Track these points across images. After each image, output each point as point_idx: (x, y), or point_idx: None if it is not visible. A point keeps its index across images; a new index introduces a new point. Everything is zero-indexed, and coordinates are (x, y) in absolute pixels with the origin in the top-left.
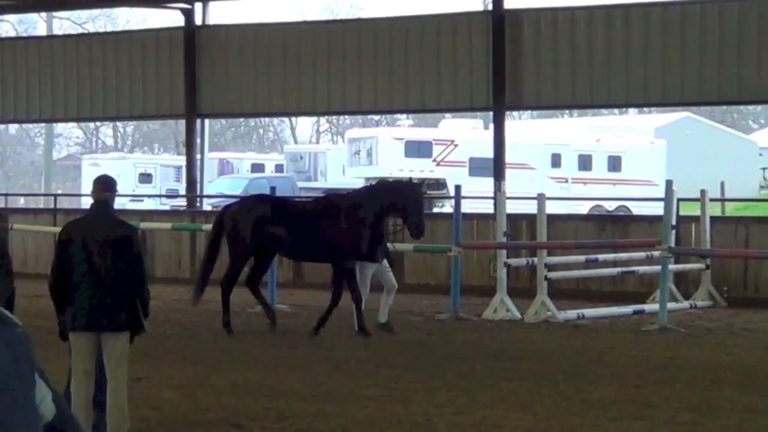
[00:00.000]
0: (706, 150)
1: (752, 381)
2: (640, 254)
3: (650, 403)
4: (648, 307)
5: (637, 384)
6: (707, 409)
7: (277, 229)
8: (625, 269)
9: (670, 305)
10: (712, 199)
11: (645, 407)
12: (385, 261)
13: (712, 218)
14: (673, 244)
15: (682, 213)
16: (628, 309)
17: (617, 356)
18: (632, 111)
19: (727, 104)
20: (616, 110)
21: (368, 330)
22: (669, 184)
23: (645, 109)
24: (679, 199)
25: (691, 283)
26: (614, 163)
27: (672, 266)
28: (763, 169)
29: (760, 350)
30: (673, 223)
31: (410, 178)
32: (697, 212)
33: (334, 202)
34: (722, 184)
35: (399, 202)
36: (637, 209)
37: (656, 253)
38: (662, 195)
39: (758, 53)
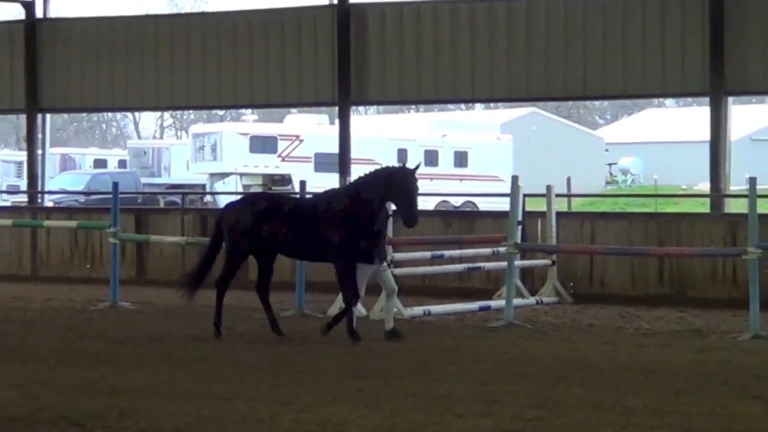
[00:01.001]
0: (553, 145)
1: (598, 377)
2: (486, 250)
3: (496, 400)
4: (494, 303)
5: (483, 380)
6: (553, 405)
7: (275, 228)
8: (471, 265)
9: (517, 301)
10: (558, 195)
11: (491, 404)
12: (383, 264)
13: (559, 214)
14: (519, 240)
15: (528, 209)
16: (474, 305)
17: (463, 353)
18: (479, 106)
19: (573, 99)
20: (462, 105)
21: (357, 334)
22: (515, 179)
23: (491, 104)
24: (525, 195)
25: (537, 279)
26: (460, 159)
27: (518, 262)
28: (609, 164)
29: (605, 346)
30: (519, 218)
31: (403, 164)
32: (544, 208)
33: (332, 198)
34: (568, 180)
35: (395, 192)
36: (484, 205)
37: (502, 249)
38: (508, 191)
39: (603, 49)
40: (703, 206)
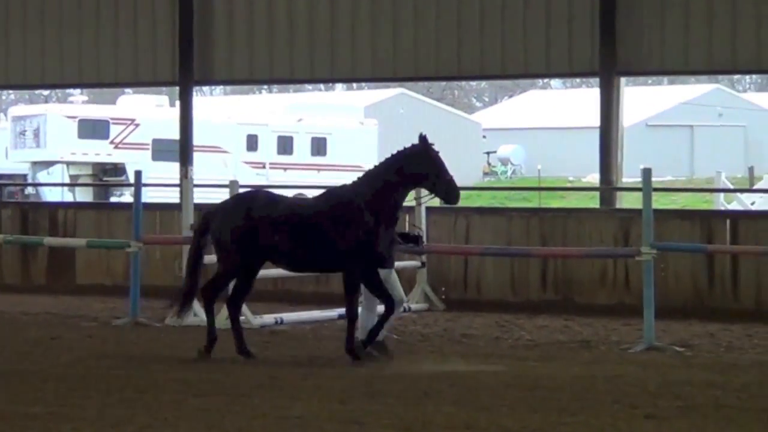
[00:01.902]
0: (423, 131)
1: (471, 395)
2: None
3: (356, 420)
4: None
5: (342, 398)
6: (420, 426)
7: (277, 236)
8: None
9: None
10: None
11: (350, 425)
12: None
13: (429, 209)
14: None
15: None
16: (333, 313)
17: (320, 367)
18: (339, 87)
19: (446, 80)
20: (321, 86)
21: (359, 352)
22: None
23: (354, 85)
24: None
25: (405, 283)
26: (318, 146)
27: None
28: (487, 153)
29: (480, 359)
30: None
31: (422, 134)
32: (412, 202)
33: (344, 196)
34: None
35: (423, 171)
36: None
37: None
38: None
39: (480, 23)
40: (593, 200)
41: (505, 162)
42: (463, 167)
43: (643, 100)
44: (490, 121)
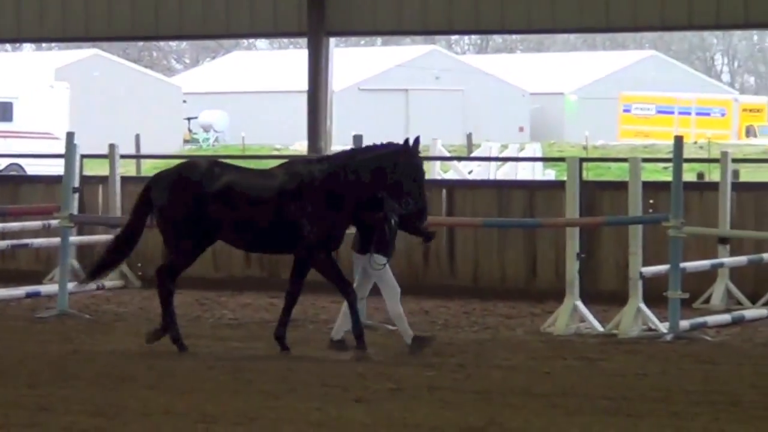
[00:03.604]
0: (119, 96)
1: (170, 379)
2: (36, 223)
3: (45, 407)
4: (45, 288)
5: (30, 383)
6: (115, 412)
7: (228, 209)
8: (16, 242)
9: (72, 286)
10: (123, 156)
11: (39, 411)
12: (377, 256)
13: (124, 179)
14: (75, 211)
15: (87, 173)
16: (21, 291)
17: (4, 349)
18: (27, 47)
19: (142, 40)
20: (7, 46)
21: (364, 343)
22: (70, 137)
23: (43, 45)
24: (83, 156)
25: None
26: (3, 111)
27: (74, 238)
28: (188, 119)
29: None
30: (76, 185)
31: (406, 140)
32: (106, 172)
33: (303, 170)
34: (137, 137)
35: (388, 174)
36: (32, 168)
37: (54, 222)
38: (62, 151)
39: None
40: None
41: (207, 128)
42: (161, 134)
43: (356, 62)
44: (192, 85)
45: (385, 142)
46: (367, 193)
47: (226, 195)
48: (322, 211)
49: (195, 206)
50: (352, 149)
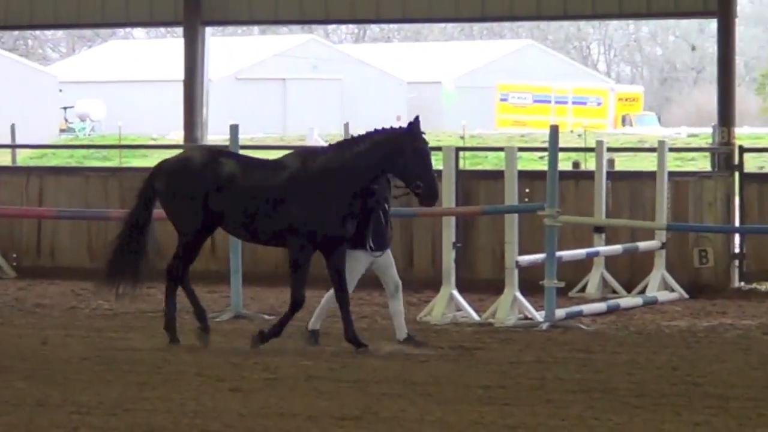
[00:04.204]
0: None
1: (45, 370)
2: None
3: None
4: None
5: None
6: None
7: (225, 198)
8: None
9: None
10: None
11: None
12: (375, 251)
13: (1, 168)
14: None
15: None
16: None
17: None
18: None
19: (15, 29)
20: None
21: (361, 341)
22: None
23: None
24: None
25: None
26: None
27: None
28: (65, 108)
29: (55, 331)
30: None
31: (410, 122)
32: None
33: (307, 158)
34: (12, 127)
35: (397, 159)
36: None
37: None
38: None
39: None
40: None
41: (83, 118)
42: (37, 123)
43: (233, 51)
44: (68, 74)
45: (379, 127)
46: (375, 180)
47: (230, 185)
48: (328, 200)
49: (198, 196)
50: (354, 137)
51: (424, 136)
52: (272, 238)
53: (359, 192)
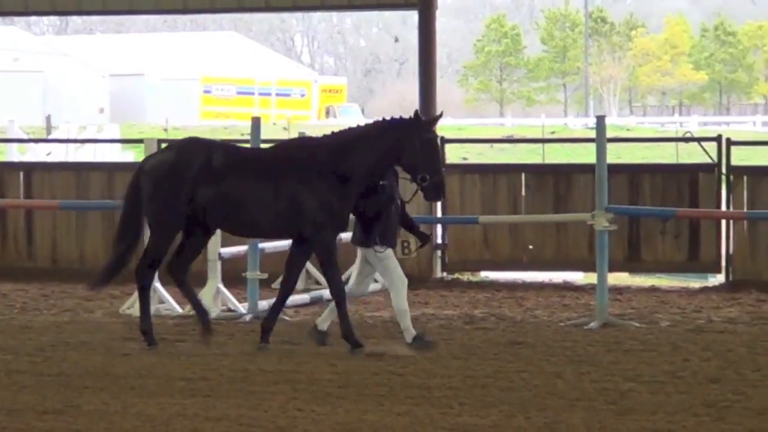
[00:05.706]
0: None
1: None
2: None
3: None
4: None
5: None
6: None
7: (219, 190)
8: None
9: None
10: None
11: None
12: (379, 246)
13: None
14: None
15: None
16: None
17: None
18: None
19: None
20: None
21: (358, 339)
22: None
23: None
24: None
25: None
26: None
27: None
28: None
29: None
30: None
31: (416, 112)
32: None
33: (305, 148)
34: None
35: (402, 151)
36: None
37: None
38: None
39: None
40: None
41: None
42: None
43: None
44: None
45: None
46: (381, 170)
47: (223, 177)
48: (329, 191)
49: (190, 189)
50: (359, 126)
51: (431, 128)
52: (268, 231)
53: (371, 186)
